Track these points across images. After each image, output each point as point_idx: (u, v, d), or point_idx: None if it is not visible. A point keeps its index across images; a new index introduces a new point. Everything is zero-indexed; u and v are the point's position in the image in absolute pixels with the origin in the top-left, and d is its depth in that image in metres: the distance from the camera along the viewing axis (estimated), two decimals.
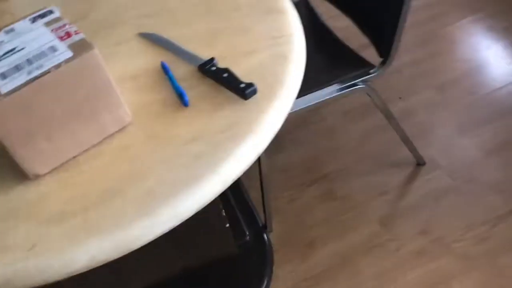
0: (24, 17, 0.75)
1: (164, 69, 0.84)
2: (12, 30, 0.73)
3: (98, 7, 1.05)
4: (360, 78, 1.25)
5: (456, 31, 2.04)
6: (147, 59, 0.88)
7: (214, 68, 0.80)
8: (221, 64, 0.82)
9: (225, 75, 0.78)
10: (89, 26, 1.00)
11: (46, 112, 0.66)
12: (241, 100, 0.75)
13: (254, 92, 0.75)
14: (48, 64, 0.64)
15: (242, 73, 0.80)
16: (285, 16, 0.91)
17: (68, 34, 0.69)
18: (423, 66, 1.90)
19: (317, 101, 1.22)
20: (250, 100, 0.75)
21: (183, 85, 0.81)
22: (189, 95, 0.79)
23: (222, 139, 0.71)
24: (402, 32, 1.18)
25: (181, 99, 0.78)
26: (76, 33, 0.69)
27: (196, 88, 0.80)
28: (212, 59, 0.82)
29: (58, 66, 0.64)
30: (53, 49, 0.67)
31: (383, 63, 1.23)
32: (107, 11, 1.03)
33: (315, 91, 1.20)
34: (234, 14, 0.94)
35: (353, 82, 1.24)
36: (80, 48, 0.66)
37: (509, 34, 1.98)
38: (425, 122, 1.70)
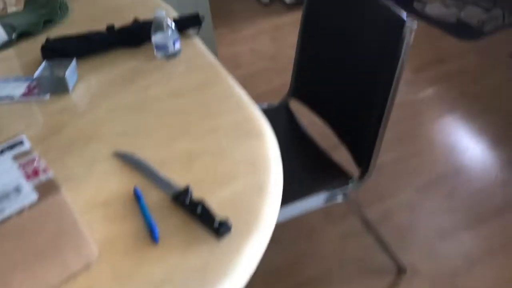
0: None
1: (137, 196, 0.81)
2: None
3: (75, 120, 1.03)
4: (338, 189, 1.24)
5: (433, 130, 2.09)
6: (121, 182, 0.86)
7: (188, 200, 0.78)
8: (196, 191, 0.80)
9: (199, 208, 0.75)
10: (63, 141, 0.98)
11: (5, 258, 0.62)
12: (215, 238, 0.72)
13: (228, 230, 0.73)
14: (10, 208, 0.61)
15: (217, 204, 0.78)
16: (262, 141, 0.90)
17: (36, 172, 0.67)
18: (402, 166, 1.92)
19: (292, 215, 1.19)
20: (225, 238, 0.72)
21: (155, 216, 0.78)
22: (160, 228, 0.75)
23: (193, 284, 0.67)
24: (380, 147, 1.18)
25: (152, 234, 0.74)
26: (45, 171, 0.67)
27: (168, 220, 0.77)
28: (187, 189, 0.80)
29: (21, 211, 0.61)
30: (17, 190, 0.64)
31: (362, 175, 1.23)
32: (83, 125, 1.02)
33: (291, 203, 1.18)
34: (211, 136, 0.93)
35: (331, 194, 1.23)
36: (46, 190, 0.64)
37: (486, 135, 2.03)
38: (405, 225, 1.68)
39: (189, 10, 2.20)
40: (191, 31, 1.29)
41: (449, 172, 1.88)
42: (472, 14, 2.85)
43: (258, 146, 0.89)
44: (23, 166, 0.68)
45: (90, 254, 0.71)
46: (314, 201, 1.22)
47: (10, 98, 1.13)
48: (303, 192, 1.20)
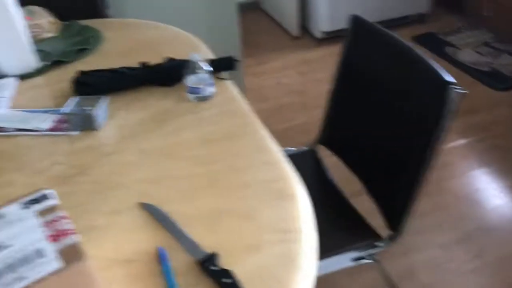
0: (17, 200, 0.69)
1: (161, 258, 0.77)
2: (1, 216, 0.67)
3: (102, 161, 1.00)
4: (365, 250, 1.18)
5: (462, 183, 2.02)
6: (144, 238, 0.81)
7: (215, 268, 0.73)
8: (223, 257, 0.76)
9: (227, 280, 0.71)
10: (88, 184, 0.95)
11: None
12: None
13: None
14: (31, 275, 0.57)
15: (243, 274, 0.73)
16: (295, 204, 0.86)
17: (61, 234, 0.63)
18: (428, 220, 1.85)
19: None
20: None
21: (179, 281, 0.73)
22: None
23: None
24: (413, 210, 1.13)
25: None
26: (70, 233, 0.63)
27: None
28: (214, 255, 0.75)
29: (42, 280, 0.57)
30: (39, 253, 0.60)
31: (392, 237, 1.17)
32: (110, 168, 0.98)
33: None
34: (241, 193, 0.89)
35: (358, 255, 1.17)
36: (70, 256, 0.60)
37: None
38: (428, 285, 1.60)
39: (220, 41, 2.21)
40: (224, 74, 1.26)
41: (477, 231, 1.80)
42: (507, 64, 2.79)
43: (290, 211, 0.85)
44: (47, 225, 0.65)
45: None
46: (339, 262, 1.16)
47: (37, 131, 1.11)
48: (328, 252, 1.15)
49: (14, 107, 1.23)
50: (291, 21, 3.27)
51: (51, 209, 0.67)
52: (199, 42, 1.45)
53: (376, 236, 1.21)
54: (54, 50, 1.46)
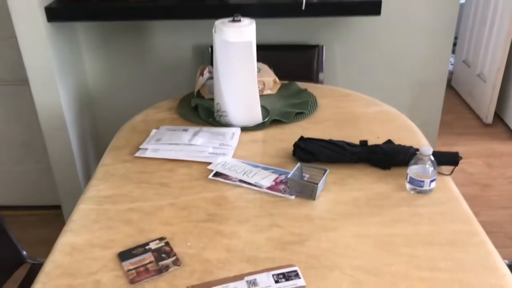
0: (269, 270, 0.73)
1: None
2: (255, 283, 0.71)
3: (318, 235, 1.02)
4: None
5: None
6: None
7: None
8: None
9: None
10: (305, 257, 0.96)
11: None
12: None
13: None
14: None
15: None
16: None
17: None
18: None
19: None
20: None
21: None
22: None
23: None
24: None
25: None
26: None
27: None
28: None
29: None
30: None
31: None
32: (326, 245, 0.99)
33: None
34: None
35: None
36: None
37: None
38: None
39: (420, 116, 2.15)
40: (445, 169, 1.22)
41: None
42: None
43: None
44: None
45: None
46: None
47: (259, 186, 1.19)
48: None
49: (235, 156, 1.34)
50: (483, 106, 3.08)
51: None
52: (418, 131, 1.43)
53: None
54: (272, 107, 1.58)
